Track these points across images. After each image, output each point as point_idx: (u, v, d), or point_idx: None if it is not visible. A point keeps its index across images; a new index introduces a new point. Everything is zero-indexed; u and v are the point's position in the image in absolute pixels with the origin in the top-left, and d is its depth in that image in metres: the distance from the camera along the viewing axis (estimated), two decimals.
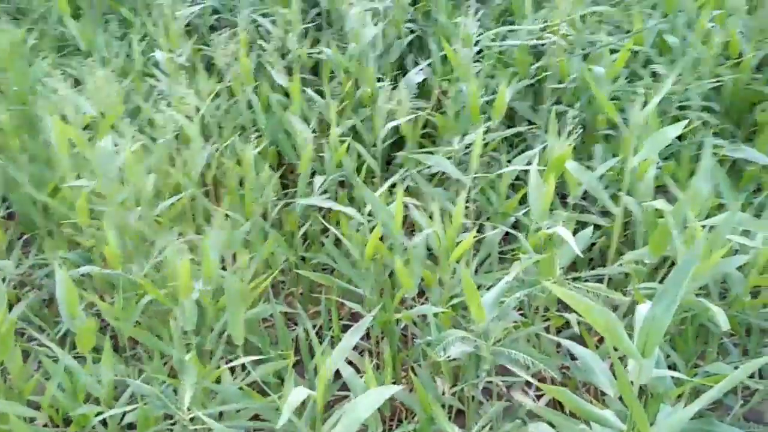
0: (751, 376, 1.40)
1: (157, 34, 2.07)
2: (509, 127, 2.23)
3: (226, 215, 1.58)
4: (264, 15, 2.33)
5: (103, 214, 1.48)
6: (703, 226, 1.27)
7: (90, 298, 1.42)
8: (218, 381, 1.28)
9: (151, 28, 2.18)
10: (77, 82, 2.07)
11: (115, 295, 1.44)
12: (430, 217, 1.42)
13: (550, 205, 1.72)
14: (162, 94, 1.96)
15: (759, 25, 2.18)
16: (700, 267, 1.15)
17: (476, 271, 1.68)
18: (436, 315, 1.33)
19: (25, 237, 1.86)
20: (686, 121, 1.41)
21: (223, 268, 1.47)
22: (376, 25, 2.13)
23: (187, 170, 1.62)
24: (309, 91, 2.02)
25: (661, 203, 1.34)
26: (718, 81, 2.03)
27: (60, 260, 1.60)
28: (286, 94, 2.23)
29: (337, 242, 1.73)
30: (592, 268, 1.86)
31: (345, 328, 1.50)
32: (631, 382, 0.87)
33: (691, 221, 1.26)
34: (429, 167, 1.91)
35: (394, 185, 1.89)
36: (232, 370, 1.47)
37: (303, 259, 1.74)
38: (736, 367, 1.20)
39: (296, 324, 1.73)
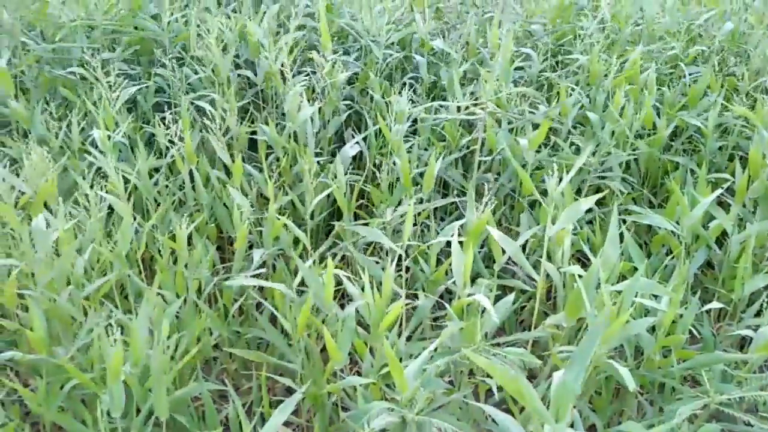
0: None
1: (97, 113, 2.11)
2: (444, 195, 2.33)
3: (159, 293, 1.58)
4: (204, 96, 2.41)
5: (30, 297, 1.46)
6: (619, 291, 1.35)
7: (14, 387, 1.37)
8: None
9: (92, 106, 2.22)
10: (15, 162, 2.08)
11: (39, 380, 1.41)
12: (363, 288, 1.45)
13: (477, 271, 1.79)
14: (100, 171, 1.99)
15: (671, 99, 2.38)
16: (609, 330, 1.22)
17: (409, 338, 1.71)
18: (367, 386, 1.35)
19: None
20: (597, 195, 1.51)
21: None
22: (312, 104, 2.23)
23: (117, 250, 1.63)
24: (248, 166, 2.08)
25: (576, 269, 1.42)
26: (634, 153, 2.19)
27: None
28: (225, 170, 2.29)
29: (273, 316, 1.75)
30: (524, 330, 1.93)
31: (278, 404, 1.49)
32: None
33: (603, 286, 1.33)
34: (365, 236, 1.97)
35: (330, 255, 1.94)
36: None
37: (238, 334, 1.74)
38: (650, 425, 1.25)
39: (228, 402, 1.71)
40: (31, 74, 2.46)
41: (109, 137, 2.02)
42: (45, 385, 1.35)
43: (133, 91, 2.23)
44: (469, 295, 1.34)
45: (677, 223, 1.76)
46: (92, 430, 1.32)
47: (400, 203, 1.98)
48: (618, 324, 1.19)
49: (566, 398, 0.98)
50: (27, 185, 1.65)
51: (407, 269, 1.91)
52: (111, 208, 2.08)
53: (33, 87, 2.45)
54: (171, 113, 2.09)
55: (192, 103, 2.30)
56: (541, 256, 1.78)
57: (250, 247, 1.94)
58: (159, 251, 1.92)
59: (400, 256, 1.74)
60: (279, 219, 1.80)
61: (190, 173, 2.11)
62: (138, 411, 1.36)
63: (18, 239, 1.64)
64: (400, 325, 1.72)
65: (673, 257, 1.76)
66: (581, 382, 0.98)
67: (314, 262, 1.63)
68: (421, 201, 2.05)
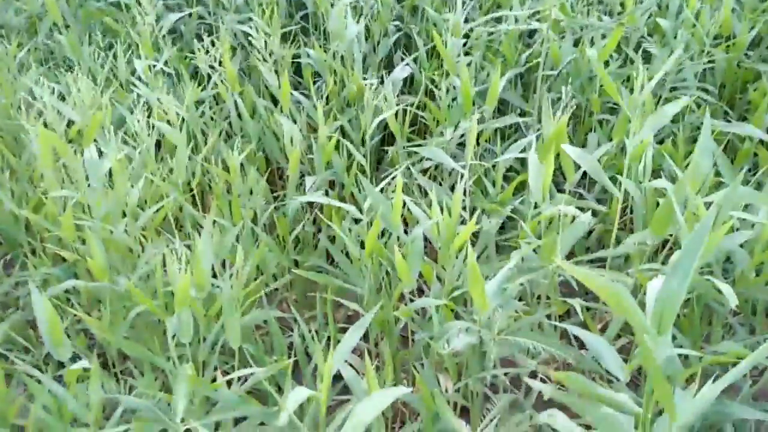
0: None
1: (139, 43, 2.04)
2: (499, 117, 2.20)
3: (214, 222, 1.53)
4: (249, 20, 2.30)
5: (87, 227, 1.43)
6: (706, 204, 1.23)
7: (78, 314, 1.36)
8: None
9: (135, 36, 2.14)
10: (62, 96, 2.03)
11: (103, 310, 1.39)
12: (429, 207, 1.38)
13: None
14: (146, 103, 1.92)
15: (751, 3, 2.16)
16: (707, 243, 1.11)
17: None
18: (437, 309, 1.28)
19: (7, 256, 1.80)
20: (683, 101, 1.36)
21: (214, 276, 1.42)
22: (359, 22, 2.10)
23: (173, 178, 1.57)
24: (295, 93, 1.98)
25: (662, 182, 1.30)
26: (710, 61, 2.00)
27: (44, 276, 1.55)
28: (272, 99, 2.20)
29: (330, 243, 1.69)
30: None
31: (341, 332, 1.45)
32: None
33: (693, 199, 1.22)
34: (421, 161, 1.88)
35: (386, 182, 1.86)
36: (227, 381, 1.41)
37: (296, 263, 1.70)
38: (745, 346, 1.16)
39: (291, 331, 1.68)
40: (70, 8, 2.39)
41: (150, 67, 1.95)
42: (109, 313, 1.33)
43: (175, 18, 2.13)
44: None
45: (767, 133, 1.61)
46: (160, 356, 1.29)
47: (458, 125, 1.87)
48: (720, 235, 1.08)
49: (670, 307, 0.88)
50: (77, 114, 1.59)
51: (469, 193, 1.82)
52: (158, 142, 2.03)
53: (74, 20, 2.38)
54: (212, 38, 1.99)
55: (239, 23, 2.19)
56: (616, 173, 1.66)
57: (301, 178, 1.87)
58: (209, 184, 1.87)
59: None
60: (330, 139, 1.71)
61: (235, 101, 2.03)
62: (203, 339, 1.34)
63: (71, 171, 1.61)
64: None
65: (758, 172, 1.62)
66: (685, 291, 0.89)
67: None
68: (478, 123, 1.93)
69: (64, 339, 1.13)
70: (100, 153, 1.56)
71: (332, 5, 2.15)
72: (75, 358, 1.57)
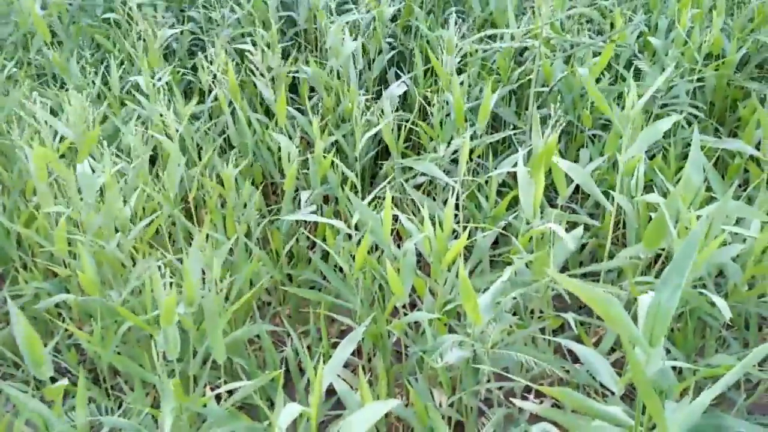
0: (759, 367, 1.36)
1: (137, 58, 2.05)
2: (494, 133, 2.21)
3: (207, 235, 1.53)
4: (243, 36, 2.32)
5: (79, 241, 1.42)
6: (697, 217, 1.24)
7: (68, 328, 1.35)
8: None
9: (130, 52, 2.15)
10: (53, 111, 2.04)
11: (93, 324, 1.38)
12: (421, 222, 1.38)
13: (540, 205, 1.69)
14: (141, 117, 1.93)
15: (740, 23, 2.19)
16: (699, 256, 1.12)
17: (469, 277, 1.63)
18: (430, 322, 1.28)
19: None
20: (675, 117, 1.37)
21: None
22: (355, 39, 2.12)
23: (165, 190, 1.57)
24: (290, 108, 1.99)
25: (654, 197, 1.31)
26: (700, 80, 2.02)
27: (35, 290, 1.54)
28: (266, 114, 2.21)
29: (324, 259, 1.69)
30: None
31: (335, 347, 1.44)
32: None
33: (685, 213, 1.23)
34: (414, 176, 1.88)
35: (377, 197, 1.87)
36: (218, 396, 1.40)
37: (289, 277, 1.69)
38: (739, 359, 1.16)
39: (284, 345, 1.67)
40: (63, 24, 2.40)
41: (152, 80, 1.95)
42: (99, 328, 1.32)
43: (171, 33, 2.15)
44: (539, 226, 1.24)
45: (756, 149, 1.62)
46: (150, 372, 1.28)
47: (451, 141, 1.88)
48: (712, 247, 1.09)
49: (661, 320, 0.88)
50: (71, 130, 1.59)
51: (463, 207, 1.82)
52: (152, 158, 2.03)
53: (65, 36, 2.39)
54: (212, 50, 2.00)
55: (229, 43, 2.21)
56: (609, 188, 1.67)
57: (296, 192, 1.88)
58: (203, 200, 1.87)
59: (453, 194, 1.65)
60: (326, 157, 1.72)
61: (232, 113, 2.04)
62: (195, 353, 1.32)
63: (64, 186, 1.60)
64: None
65: (748, 188, 1.63)
66: (676, 302, 0.89)
67: (370, 203, 1.55)
68: (472, 138, 1.94)
69: (45, 358, 1.11)
70: (92, 168, 1.56)
71: (329, 21, 2.18)
72: (64, 373, 1.56)
